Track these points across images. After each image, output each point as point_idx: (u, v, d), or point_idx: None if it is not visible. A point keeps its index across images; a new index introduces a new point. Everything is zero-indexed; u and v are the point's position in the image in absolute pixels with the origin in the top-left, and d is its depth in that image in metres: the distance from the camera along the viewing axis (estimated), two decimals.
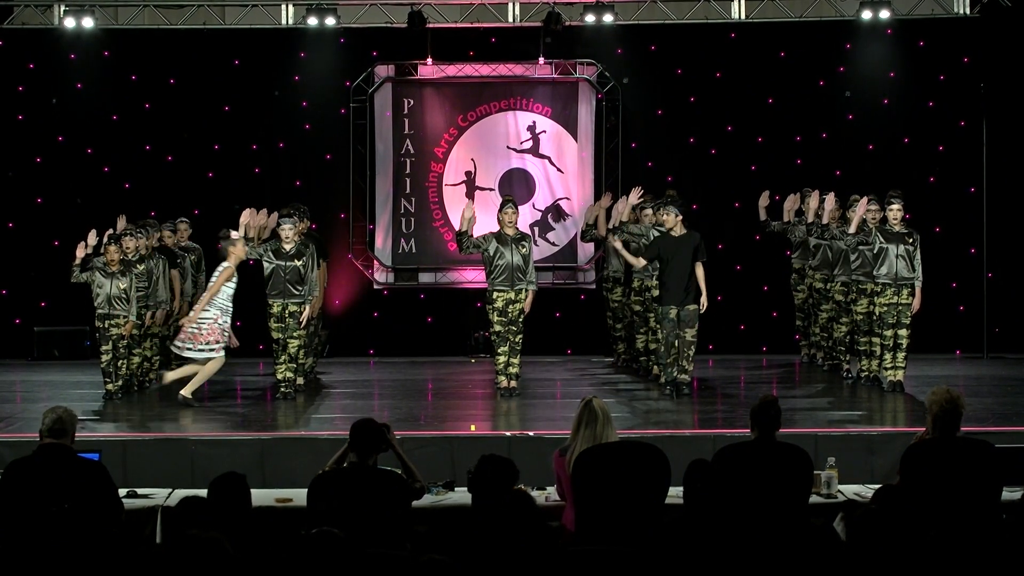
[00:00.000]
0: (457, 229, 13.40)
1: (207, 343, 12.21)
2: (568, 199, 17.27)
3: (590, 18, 16.59)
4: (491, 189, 17.14)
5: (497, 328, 12.61)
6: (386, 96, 17.24)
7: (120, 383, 12.69)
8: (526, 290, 12.59)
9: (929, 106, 16.88)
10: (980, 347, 16.18)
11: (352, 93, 17.01)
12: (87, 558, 5.56)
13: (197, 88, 16.78)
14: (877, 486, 7.44)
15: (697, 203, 16.02)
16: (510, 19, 16.98)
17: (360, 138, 17.13)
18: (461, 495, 8.32)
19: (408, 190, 17.28)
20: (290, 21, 16.89)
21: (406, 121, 17.26)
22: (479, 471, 6.45)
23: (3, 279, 16.91)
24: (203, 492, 6.41)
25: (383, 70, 17.20)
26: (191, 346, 12.22)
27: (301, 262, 12.51)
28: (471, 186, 17.24)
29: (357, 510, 6.47)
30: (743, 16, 16.92)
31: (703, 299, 12.36)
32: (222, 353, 12.30)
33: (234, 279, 12.32)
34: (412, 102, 17.28)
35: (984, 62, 16.58)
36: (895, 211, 12.67)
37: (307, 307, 12.57)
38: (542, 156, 17.29)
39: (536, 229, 17.08)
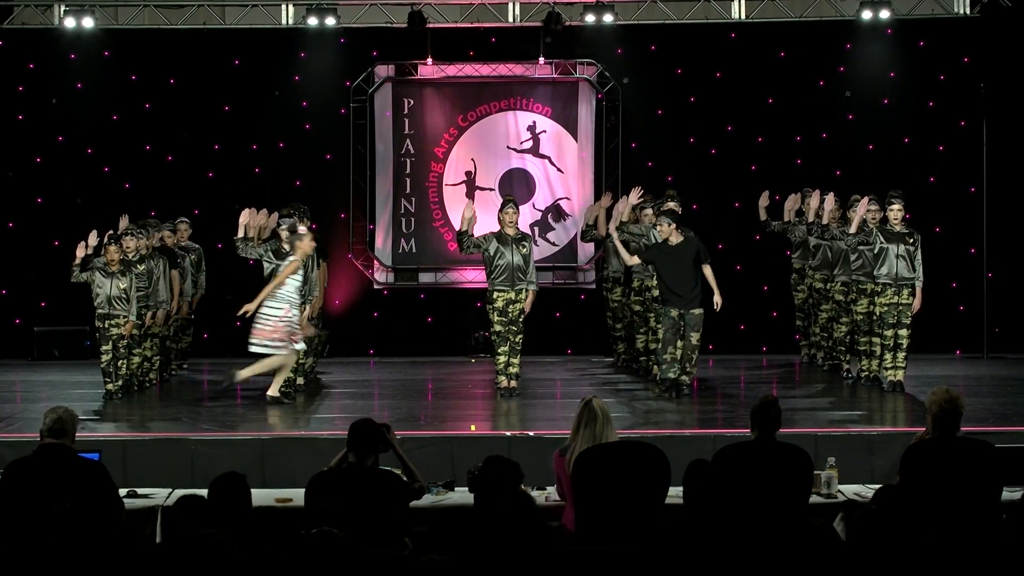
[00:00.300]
0: (457, 229, 13.40)
1: (271, 340, 12.10)
2: (568, 199, 17.26)
3: (590, 18, 16.58)
4: (491, 189, 17.13)
5: (497, 328, 12.60)
6: (386, 96, 17.24)
7: (120, 383, 12.70)
8: (526, 290, 12.59)
9: (929, 106, 16.87)
10: (980, 347, 16.18)
11: (352, 93, 17.01)
12: (87, 558, 5.55)
13: (197, 88, 16.78)
14: (877, 486, 7.45)
15: (697, 203, 16.04)
16: (510, 19, 16.97)
17: (360, 138, 17.13)
18: (461, 495, 8.33)
19: (408, 190, 17.28)
20: (290, 21, 16.88)
21: (406, 121, 17.26)
22: (484, 472, 6.45)
23: (3, 279, 16.90)
24: (203, 492, 6.41)
25: (383, 70, 17.19)
26: (256, 341, 12.11)
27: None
28: (471, 186, 17.23)
29: (354, 510, 6.46)
30: (743, 16, 16.91)
31: (717, 297, 12.31)
32: (290, 349, 12.18)
33: (300, 273, 12.25)
34: (412, 102, 17.27)
35: (984, 62, 16.57)
36: (895, 211, 12.67)
37: (307, 307, 12.57)
38: (542, 156, 17.29)
39: (536, 229, 17.07)
